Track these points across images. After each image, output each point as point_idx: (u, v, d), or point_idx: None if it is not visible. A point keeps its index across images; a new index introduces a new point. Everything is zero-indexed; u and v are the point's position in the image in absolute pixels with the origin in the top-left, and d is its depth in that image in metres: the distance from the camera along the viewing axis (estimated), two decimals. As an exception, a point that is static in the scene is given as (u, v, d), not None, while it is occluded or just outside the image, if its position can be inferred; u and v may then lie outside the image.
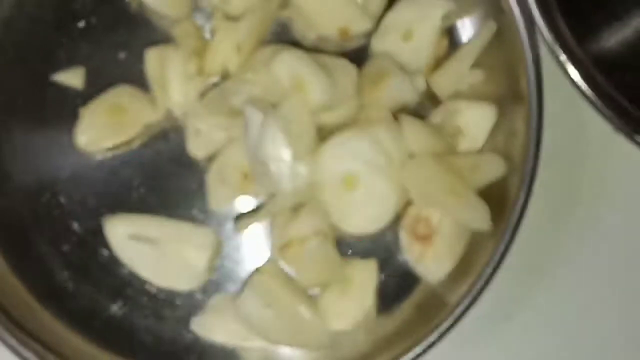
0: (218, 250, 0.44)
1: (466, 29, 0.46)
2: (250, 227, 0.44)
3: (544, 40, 0.43)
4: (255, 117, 0.41)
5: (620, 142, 0.43)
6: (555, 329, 0.46)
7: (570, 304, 0.46)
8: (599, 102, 0.43)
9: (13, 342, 0.40)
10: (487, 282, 0.41)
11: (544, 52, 0.43)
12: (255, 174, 0.42)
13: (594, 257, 0.46)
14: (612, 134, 0.43)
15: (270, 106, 0.42)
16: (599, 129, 0.43)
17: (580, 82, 0.43)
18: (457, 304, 0.41)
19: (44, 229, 0.44)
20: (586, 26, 0.45)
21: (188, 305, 0.43)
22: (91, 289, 0.44)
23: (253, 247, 0.44)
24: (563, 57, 0.43)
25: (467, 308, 0.41)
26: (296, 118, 0.42)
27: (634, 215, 0.47)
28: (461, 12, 0.46)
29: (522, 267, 0.44)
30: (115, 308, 0.43)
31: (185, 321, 0.43)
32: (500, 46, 0.43)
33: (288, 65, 0.42)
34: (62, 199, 0.44)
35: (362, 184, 0.42)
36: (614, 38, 0.46)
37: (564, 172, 0.46)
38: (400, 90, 0.43)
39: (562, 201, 0.46)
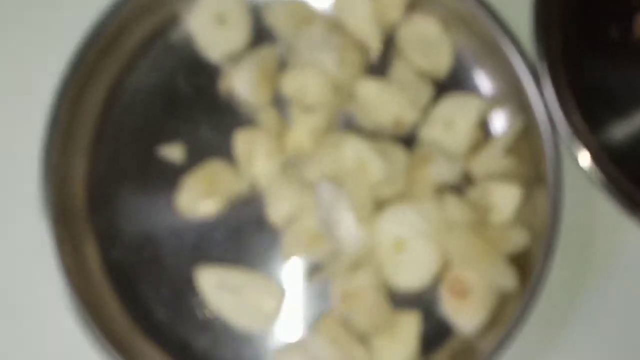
0: (284, 298, 0.49)
1: (499, 121, 0.51)
2: (317, 279, 0.49)
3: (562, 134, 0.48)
4: (326, 190, 0.47)
5: (625, 220, 0.48)
6: None
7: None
8: (606, 187, 0.47)
9: None
10: (513, 334, 0.45)
11: (563, 143, 0.48)
12: (325, 235, 0.48)
13: (604, 318, 0.50)
14: (619, 213, 0.48)
15: (338, 181, 0.47)
16: (609, 208, 0.48)
17: (590, 168, 0.48)
18: (487, 353, 0.46)
19: (147, 275, 0.50)
20: (598, 123, 0.50)
21: (262, 343, 0.49)
22: (183, 326, 0.49)
23: (318, 297, 0.49)
24: (576, 149, 0.48)
25: (495, 355, 0.45)
26: (358, 191, 0.47)
27: (637, 282, 0.51)
28: (494, 108, 0.51)
29: (544, 323, 0.49)
30: (202, 342, 0.49)
31: (260, 354, 0.49)
32: (527, 137, 0.49)
33: (353, 148, 0.48)
34: (162, 252, 0.50)
35: (410, 248, 0.48)
36: (622, 133, 0.51)
37: (579, 243, 0.51)
38: (443, 171, 0.48)
39: (577, 268, 0.51)
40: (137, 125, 0.51)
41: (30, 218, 0.48)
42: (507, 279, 0.47)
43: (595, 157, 0.48)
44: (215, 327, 0.49)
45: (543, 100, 0.48)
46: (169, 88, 0.52)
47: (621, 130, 0.51)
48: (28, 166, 0.48)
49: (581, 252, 0.51)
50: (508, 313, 0.47)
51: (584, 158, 0.48)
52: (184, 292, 0.50)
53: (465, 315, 0.48)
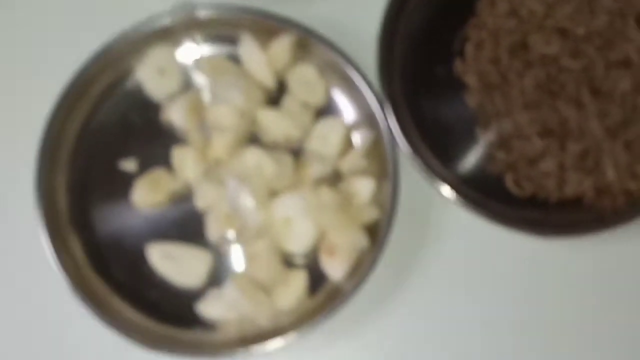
0: (211, 263, 0.63)
1: (358, 136, 0.64)
2: (232, 248, 0.63)
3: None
4: (233, 183, 0.61)
5: (447, 201, 0.62)
6: (410, 313, 0.64)
7: (420, 297, 0.64)
8: (431, 178, 0.62)
9: (98, 316, 0.60)
10: (366, 278, 0.59)
11: (400, 151, 0.62)
12: (235, 216, 0.61)
13: (434, 268, 0.64)
14: (443, 198, 0.62)
15: (244, 179, 0.61)
16: (435, 194, 0.63)
17: (421, 169, 0.62)
18: (350, 291, 0.60)
19: (114, 252, 0.64)
20: (442, 149, 0.65)
21: (195, 294, 0.62)
22: (139, 285, 0.63)
23: (233, 260, 0.63)
24: (405, 152, 0.62)
25: (355, 293, 0.59)
26: (258, 185, 0.61)
27: (459, 245, 0.65)
28: (355, 127, 0.64)
29: (388, 271, 0.62)
30: (153, 296, 0.63)
31: (193, 303, 0.62)
32: (377, 145, 0.63)
33: (253, 155, 0.61)
34: (124, 236, 0.64)
35: (296, 223, 0.61)
36: (446, 138, 0.66)
37: (416, 217, 0.64)
38: (319, 170, 0.62)
39: (413, 235, 0.64)
40: (104, 147, 0.65)
41: (29, 218, 0.62)
42: (363, 241, 0.61)
43: (423, 159, 0.63)
44: (162, 286, 0.63)
45: (387, 122, 0.62)
46: (126, 120, 0.65)
47: (456, 149, 0.66)
48: (25, 181, 0.62)
49: (417, 223, 0.65)
50: (364, 265, 0.60)
51: (414, 160, 0.63)
52: (140, 262, 0.63)
53: (335, 267, 0.61)
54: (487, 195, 0.65)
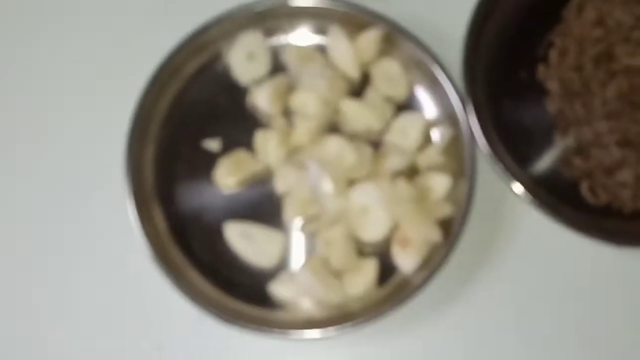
0: (285, 245, 0.65)
1: (438, 132, 0.65)
2: (308, 231, 0.65)
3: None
4: (314, 168, 0.62)
5: (521, 203, 0.63)
6: (477, 312, 0.65)
7: (488, 297, 0.65)
8: (506, 177, 0.63)
9: (175, 285, 0.62)
10: (437, 273, 0.60)
11: (480, 151, 0.62)
12: (313, 201, 0.63)
13: (503, 269, 0.65)
14: (518, 199, 0.63)
15: (324, 164, 0.62)
16: (511, 195, 0.64)
17: (500, 171, 0.62)
18: (419, 284, 0.61)
19: (194, 227, 0.66)
20: (519, 151, 0.66)
21: (268, 275, 0.64)
22: (217, 262, 0.65)
23: (307, 244, 0.65)
24: (487, 154, 0.63)
25: (424, 287, 0.60)
26: (337, 172, 0.62)
27: (531, 247, 0.66)
28: (435, 123, 0.66)
29: (459, 268, 0.63)
30: (228, 272, 0.65)
31: (266, 283, 0.64)
32: (455, 143, 0.64)
33: (335, 143, 0.63)
34: (204, 213, 0.66)
35: (371, 212, 0.62)
36: (524, 141, 0.67)
37: (489, 216, 0.66)
38: (397, 162, 0.63)
39: (486, 234, 0.66)
40: (191, 126, 0.67)
41: (118, 187, 0.64)
42: (436, 236, 0.62)
43: (504, 163, 0.64)
44: (237, 263, 0.65)
45: (467, 121, 0.63)
46: (213, 102, 0.68)
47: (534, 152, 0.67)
48: (117, 152, 0.64)
49: (490, 223, 0.66)
50: (435, 259, 0.62)
51: (495, 163, 0.63)
52: (217, 239, 0.65)
53: (407, 259, 0.62)
54: (562, 199, 0.66)
